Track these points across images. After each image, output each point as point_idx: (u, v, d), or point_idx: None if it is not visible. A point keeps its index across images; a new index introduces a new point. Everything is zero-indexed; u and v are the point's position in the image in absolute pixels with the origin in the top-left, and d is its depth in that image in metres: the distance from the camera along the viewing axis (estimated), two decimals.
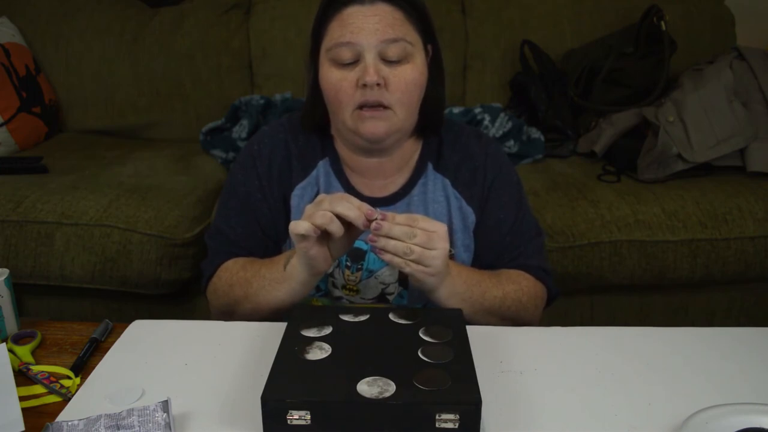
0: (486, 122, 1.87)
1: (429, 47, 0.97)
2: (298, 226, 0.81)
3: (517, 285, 0.99)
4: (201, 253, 1.55)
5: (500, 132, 1.87)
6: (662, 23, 1.89)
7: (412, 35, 0.92)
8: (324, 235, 0.83)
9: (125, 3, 2.15)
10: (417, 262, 0.82)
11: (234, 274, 0.98)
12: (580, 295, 1.65)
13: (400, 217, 0.82)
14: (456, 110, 1.94)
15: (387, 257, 0.82)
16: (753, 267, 1.58)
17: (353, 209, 0.80)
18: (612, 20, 2.07)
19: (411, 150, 1.03)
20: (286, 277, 0.90)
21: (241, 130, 1.88)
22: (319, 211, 0.80)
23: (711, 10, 2.14)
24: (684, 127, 1.69)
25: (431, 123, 1.02)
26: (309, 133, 1.03)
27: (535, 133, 1.90)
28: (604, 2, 2.11)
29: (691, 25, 2.09)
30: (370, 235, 0.81)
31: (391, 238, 0.81)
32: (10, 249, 1.51)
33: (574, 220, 1.57)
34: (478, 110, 1.90)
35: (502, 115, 1.89)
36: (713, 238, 1.55)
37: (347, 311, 0.85)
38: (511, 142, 1.88)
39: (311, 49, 0.96)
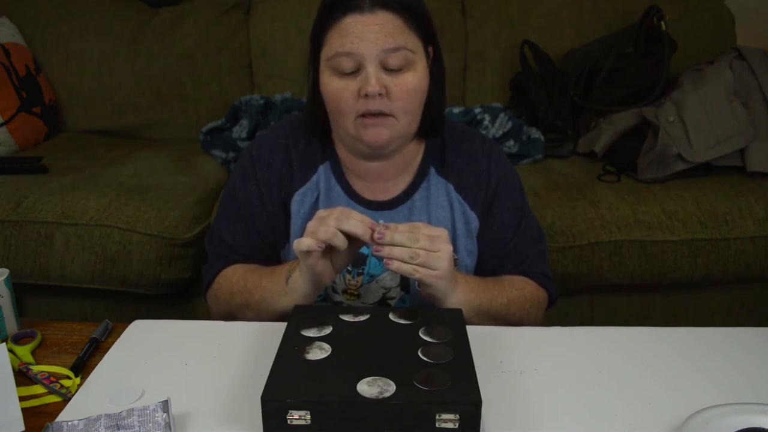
0: (486, 122, 1.87)
1: (430, 49, 0.96)
2: (301, 243, 0.81)
3: (520, 291, 0.99)
4: (201, 253, 1.55)
5: (500, 132, 1.87)
6: (662, 23, 1.89)
7: (413, 42, 0.91)
8: (327, 249, 0.83)
9: (125, 3, 2.15)
10: (424, 265, 0.82)
11: (234, 284, 0.98)
12: (580, 295, 1.65)
13: (402, 226, 0.82)
14: (456, 110, 1.93)
15: (394, 266, 0.81)
16: (753, 267, 1.58)
17: (359, 225, 0.80)
18: (612, 20, 2.07)
19: (413, 153, 1.02)
20: (288, 290, 0.90)
21: (241, 130, 1.88)
22: (322, 227, 0.80)
23: (711, 10, 2.14)
24: (684, 127, 1.69)
25: (433, 124, 1.01)
26: (310, 136, 1.02)
27: (535, 133, 1.90)
28: (604, 2, 2.11)
29: (691, 25, 2.09)
30: (375, 246, 0.81)
31: (395, 245, 0.81)
32: (10, 249, 1.51)
33: (574, 220, 1.56)
34: (478, 110, 1.90)
35: (502, 115, 1.89)
36: (713, 238, 1.55)
37: (347, 311, 0.85)
38: (511, 142, 1.87)
39: (310, 54, 0.95)
